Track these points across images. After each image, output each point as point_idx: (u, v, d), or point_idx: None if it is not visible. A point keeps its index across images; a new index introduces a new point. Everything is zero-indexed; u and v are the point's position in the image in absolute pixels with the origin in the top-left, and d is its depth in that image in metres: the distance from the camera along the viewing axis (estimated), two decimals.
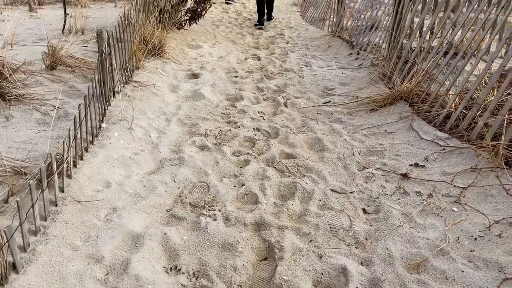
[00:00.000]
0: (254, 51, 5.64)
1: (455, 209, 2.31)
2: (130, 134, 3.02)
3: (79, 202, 2.25)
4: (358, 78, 4.43)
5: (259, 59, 5.28)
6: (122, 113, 3.21)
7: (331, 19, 6.76)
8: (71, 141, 2.34)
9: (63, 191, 2.28)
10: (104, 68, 3.21)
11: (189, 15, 5.96)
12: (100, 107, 3.06)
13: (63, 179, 2.29)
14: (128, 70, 3.89)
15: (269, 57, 5.34)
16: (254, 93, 4.10)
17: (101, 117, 3.10)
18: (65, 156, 2.26)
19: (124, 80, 3.76)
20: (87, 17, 6.91)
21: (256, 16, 7.71)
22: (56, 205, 2.19)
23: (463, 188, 2.43)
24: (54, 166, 2.14)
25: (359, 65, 4.85)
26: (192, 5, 5.94)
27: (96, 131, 2.89)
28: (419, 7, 4.22)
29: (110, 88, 3.37)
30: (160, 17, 5.33)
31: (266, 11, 7.73)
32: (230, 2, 9.66)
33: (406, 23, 3.89)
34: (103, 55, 3.21)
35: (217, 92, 4.07)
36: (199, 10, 5.86)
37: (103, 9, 7.92)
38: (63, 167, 2.26)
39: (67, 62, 3.71)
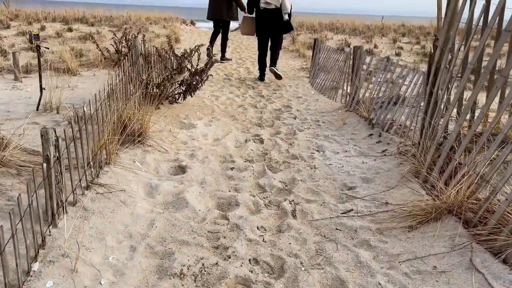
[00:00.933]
0: (256, 130, 4.84)
1: None
2: (72, 280, 2.11)
3: None
4: (384, 172, 3.55)
5: (261, 141, 4.46)
6: (67, 244, 2.33)
7: (345, 88, 6.02)
8: None
9: None
10: (47, 179, 2.38)
11: (183, 88, 5.24)
12: (34, 238, 2.19)
13: None
14: (93, 168, 3.07)
15: (273, 139, 4.52)
16: (253, 196, 3.21)
17: (36, 250, 2.22)
18: None
19: (85, 184, 2.92)
20: (74, 88, 6.28)
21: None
22: None
23: None
24: None
25: (383, 152, 3.99)
26: (186, 77, 5.24)
27: (19, 280, 1.99)
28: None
29: (58, 202, 2.52)
30: (147, 92, 4.61)
31: (269, 63, 7.59)
32: (224, 60, 9.30)
33: (448, 111, 3.05)
34: (48, 162, 2.39)
35: (206, 194, 3.20)
36: (194, 83, 5.15)
37: (95, 77, 7.32)
38: None
39: (10, 163, 2.90)
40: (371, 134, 4.49)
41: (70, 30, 11.71)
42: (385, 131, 4.41)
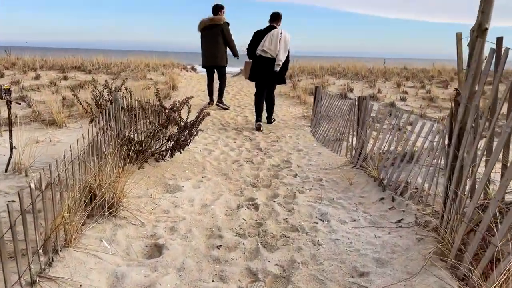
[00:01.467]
0: (251, 192, 4.26)
1: None
2: None
3: None
4: (402, 251, 2.94)
5: (256, 207, 3.87)
6: None
7: (350, 140, 5.50)
8: None
9: None
10: None
11: (171, 144, 4.74)
12: None
13: None
14: (44, 256, 2.48)
15: (270, 204, 3.94)
16: None
17: None
18: None
19: (30, 278, 2.33)
20: (55, 143, 5.80)
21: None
22: None
23: None
24: None
25: (399, 222, 3.39)
26: (173, 132, 4.74)
27: None
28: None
29: None
30: (128, 151, 4.09)
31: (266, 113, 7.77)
32: (220, 104, 9.02)
33: (480, 182, 2.47)
34: None
35: (183, 287, 2.58)
36: (182, 139, 4.64)
37: (82, 129, 6.86)
38: None
39: None
40: (382, 198, 3.90)
41: (65, 78, 11.44)
42: (398, 194, 3.83)
